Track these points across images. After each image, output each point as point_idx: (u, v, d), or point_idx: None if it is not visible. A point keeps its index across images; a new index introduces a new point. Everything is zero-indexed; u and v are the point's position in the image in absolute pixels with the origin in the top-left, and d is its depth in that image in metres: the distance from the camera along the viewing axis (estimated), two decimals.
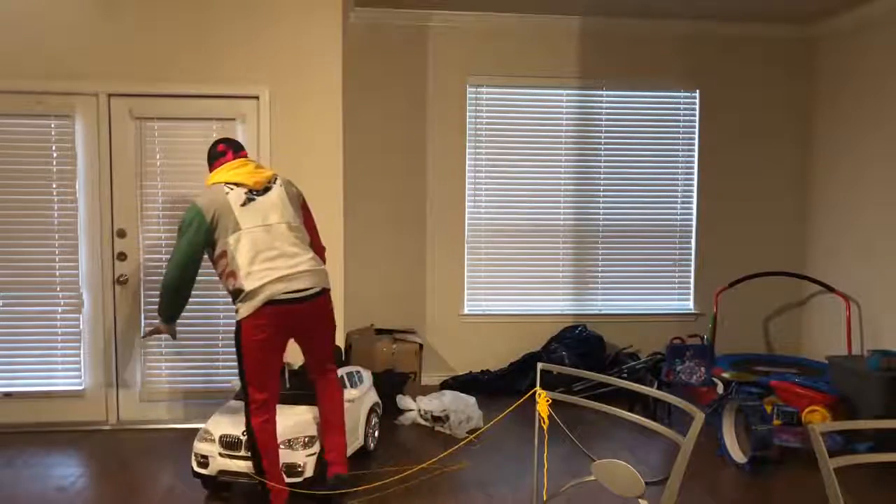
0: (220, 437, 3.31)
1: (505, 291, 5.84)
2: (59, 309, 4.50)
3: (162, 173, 4.52)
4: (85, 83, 4.41)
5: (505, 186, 5.77)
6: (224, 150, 3.44)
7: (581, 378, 4.39)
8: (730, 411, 4.08)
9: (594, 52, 5.71)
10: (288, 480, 3.23)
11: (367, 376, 4.14)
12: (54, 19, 4.38)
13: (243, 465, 3.26)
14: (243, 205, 3.21)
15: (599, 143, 5.82)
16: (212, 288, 4.56)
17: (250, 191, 3.25)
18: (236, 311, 3.16)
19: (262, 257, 3.13)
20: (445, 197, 5.69)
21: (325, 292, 3.28)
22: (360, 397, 3.83)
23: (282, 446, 3.25)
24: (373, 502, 3.46)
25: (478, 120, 5.71)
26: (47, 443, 4.27)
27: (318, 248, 3.48)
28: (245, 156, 3.47)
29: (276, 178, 3.37)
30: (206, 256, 3.31)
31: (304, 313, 3.20)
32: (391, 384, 4.81)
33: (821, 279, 5.62)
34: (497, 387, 5.37)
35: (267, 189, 3.29)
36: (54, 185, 4.45)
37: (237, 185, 3.26)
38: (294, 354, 4.40)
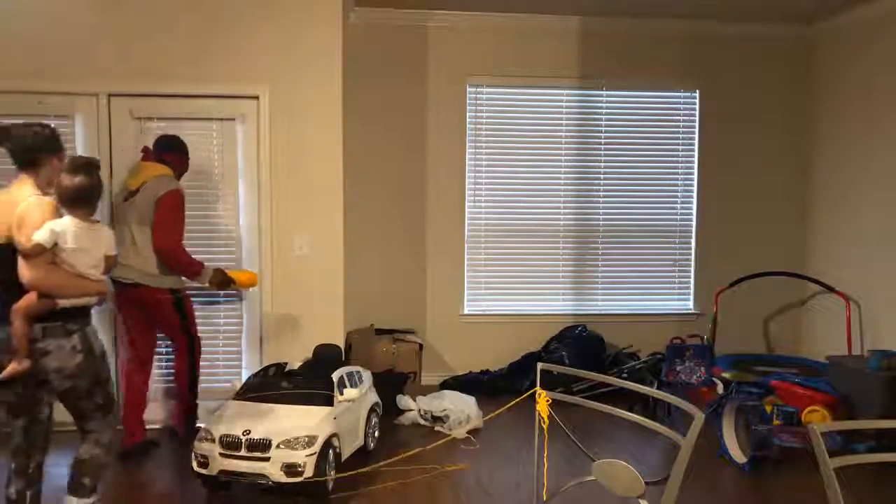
0: (220, 437, 3.31)
1: (505, 291, 5.84)
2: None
3: None
4: (85, 83, 4.40)
5: (505, 186, 5.77)
6: (143, 150, 4.20)
7: (581, 378, 4.38)
8: (730, 411, 4.08)
9: (594, 52, 5.70)
10: (288, 480, 3.23)
11: (367, 376, 4.14)
12: (54, 19, 4.37)
13: (243, 465, 3.26)
14: (118, 205, 4.09)
15: (599, 143, 5.82)
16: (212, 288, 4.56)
17: (128, 192, 4.02)
18: None
19: (120, 249, 3.70)
20: (445, 197, 5.69)
21: (140, 286, 3.96)
22: (360, 397, 3.83)
23: (281, 446, 3.25)
24: (373, 502, 3.46)
25: (478, 120, 5.71)
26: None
27: (156, 245, 3.95)
28: (151, 159, 4.09)
29: (146, 183, 3.94)
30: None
31: (128, 297, 4.03)
32: (391, 384, 4.81)
33: (821, 279, 5.61)
34: (497, 387, 5.37)
35: (137, 191, 3.96)
36: None
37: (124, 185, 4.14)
38: (293, 355, 4.41)
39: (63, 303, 2.68)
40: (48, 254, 2.62)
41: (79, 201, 2.71)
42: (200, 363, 4.28)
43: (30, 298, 2.62)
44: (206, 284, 4.14)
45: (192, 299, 4.31)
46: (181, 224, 4.02)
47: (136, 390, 4.12)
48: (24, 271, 2.60)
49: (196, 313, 4.55)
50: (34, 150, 2.76)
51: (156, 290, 3.99)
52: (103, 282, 2.85)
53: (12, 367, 2.63)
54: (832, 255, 5.67)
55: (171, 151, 4.12)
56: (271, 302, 4.59)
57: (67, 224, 2.67)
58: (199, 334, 4.27)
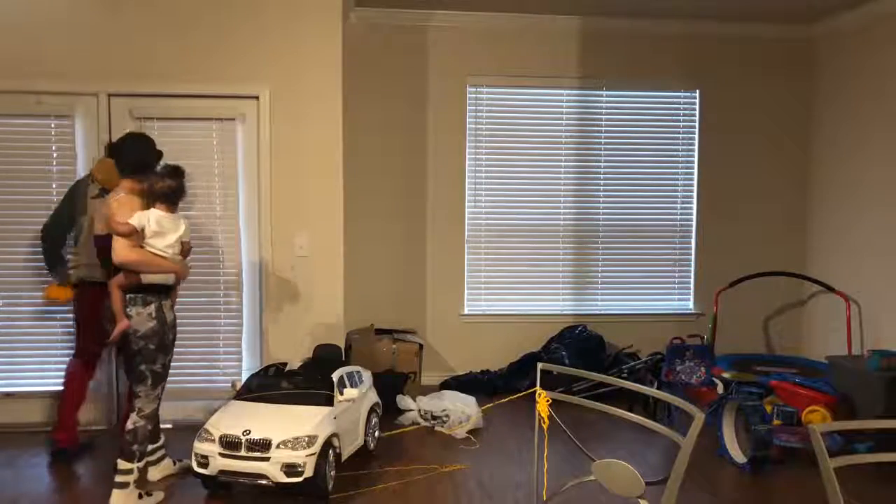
0: (220, 437, 3.31)
1: (505, 291, 5.84)
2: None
3: None
4: (85, 83, 4.40)
5: (505, 186, 5.76)
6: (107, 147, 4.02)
7: (581, 378, 4.38)
8: (730, 411, 4.08)
9: (594, 52, 5.70)
10: (288, 480, 3.23)
11: (367, 376, 4.14)
12: (54, 19, 4.37)
13: (243, 465, 3.26)
14: (90, 201, 3.93)
15: (599, 143, 5.82)
16: (212, 288, 4.56)
17: (102, 189, 3.89)
18: None
19: (86, 247, 3.93)
20: (445, 197, 5.69)
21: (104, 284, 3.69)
22: (360, 397, 3.83)
23: (281, 446, 3.25)
24: (373, 502, 3.46)
25: (478, 120, 5.71)
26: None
27: None
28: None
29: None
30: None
31: (94, 296, 3.85)
32: (391, 384, 4.81)
33: (821, 279, 5.61)
34: (497, 387, 5.37)
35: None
36: (54, 186, 4.45)
37: None
38: (293, 355, 4.41)
39: (145, 279, 3.29)
40: (135, 237, 3.25)
41: (166, 198, 3.37)
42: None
43: (121, 275, 3.31)
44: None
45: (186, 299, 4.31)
46: None
47: (81, 387, 4.05)
48: (116, 251, 3.26)
49: (196, 313, 4.56)
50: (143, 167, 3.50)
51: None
52: (180, 263, 3.42)
53: (120, 327, 3.30)
54: (832, 255, 5.67)
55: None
56: (271, 302, 4.59)
57: (152, 213, 3.33)
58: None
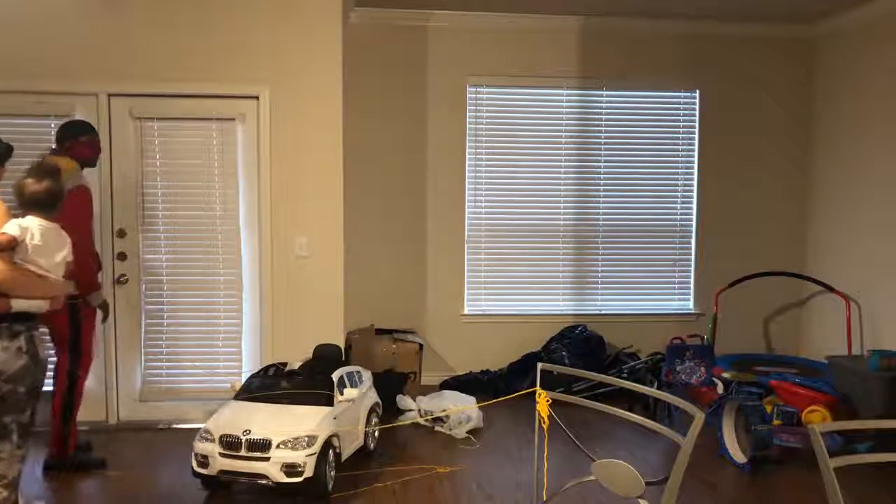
0: (220, 437, 3.31)
1: (505, 291, 5.83)
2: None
3: (162, 173, 4.52)
4: (85, 83, 4.40)
5: (505, 186, 5.76)
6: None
7: (581, 378, 4.38)
8: (730, 411, 4.08)
9: (594, 52, 5.70)
10: (288, 480, 3.23)
11: (367, 376, 4.14)
12: (54, 19, 4.37)
13: (243, 465, 3.26)
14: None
15: (599, 143, 5.81)
16: (212, 288, 4.56)
17: None
18: None
19: None
20: (445, 197, 5.69)
21: None
22: (360, 397, 3.83)
23: (281, 446, 3.25)
24: (373, 502, 3.46)
25: (478, 120, 5.71)
26: (48, 443, 4.26)
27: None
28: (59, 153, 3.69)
29: None
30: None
31: None
32: (391, 384, 4.81)
33: (821, 279, 5.61)
34: (497, 387, 5.36)
35: None
36: None
37: None
38: (293, 355, 4.40)
39: (16, 304, 2.60)
40: (9, 252, 2.59)
41: (45, 204, 2.75)
42: (84, 388, 3.84)
43: None
44: (94, 305, 3.74)
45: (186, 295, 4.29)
46: (89, 225, 3.70)
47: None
48: None
49: (196, 312, 4.55)
50: None
51: None
52: (63, 284, 2.82)
53: None
54: (832, 255, 5.67)
55: (74, 139, 3.74)
56: (271, 302, 4.58)
57: (33, 221, 2.69)
58: (92, 353, 3.86)
